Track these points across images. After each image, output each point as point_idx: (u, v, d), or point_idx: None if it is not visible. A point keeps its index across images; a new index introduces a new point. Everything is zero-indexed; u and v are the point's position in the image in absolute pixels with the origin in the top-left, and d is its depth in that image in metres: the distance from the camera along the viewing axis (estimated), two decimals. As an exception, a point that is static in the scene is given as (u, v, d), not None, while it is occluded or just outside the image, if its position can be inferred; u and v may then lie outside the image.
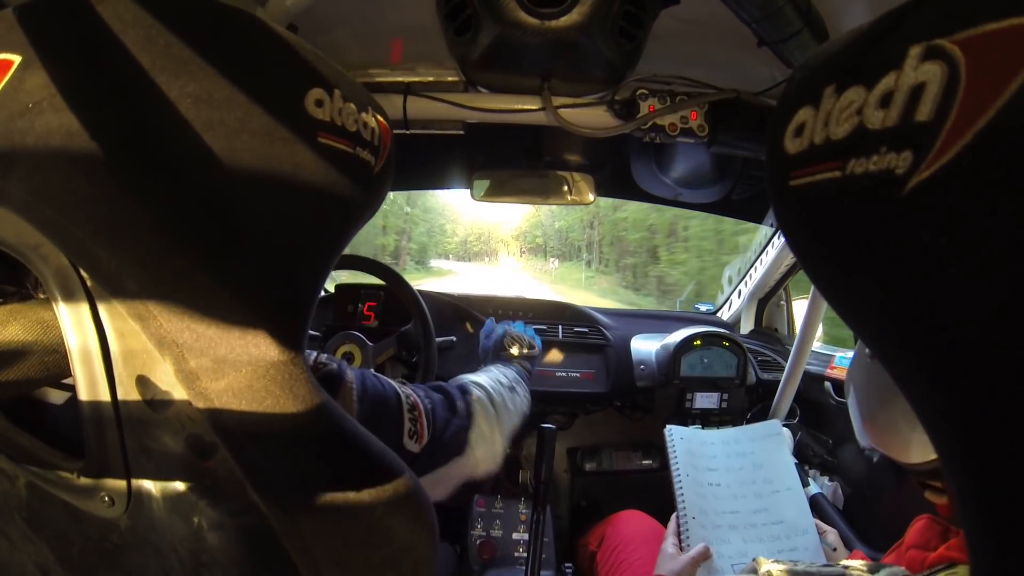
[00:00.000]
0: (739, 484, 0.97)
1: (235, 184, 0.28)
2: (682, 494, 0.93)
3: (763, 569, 0.40)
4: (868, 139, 0.21)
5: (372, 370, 0.59)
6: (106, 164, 0.26)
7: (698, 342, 1.40)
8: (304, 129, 0.29)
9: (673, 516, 0.92)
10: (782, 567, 0.40)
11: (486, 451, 0.65)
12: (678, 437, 1.04)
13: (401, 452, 0.48)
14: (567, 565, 1.17)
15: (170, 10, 0.27)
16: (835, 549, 0.86)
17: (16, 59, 0.26)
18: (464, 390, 0.67)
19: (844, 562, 0.41)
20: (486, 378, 0.75)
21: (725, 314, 1.82)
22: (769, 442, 1.03)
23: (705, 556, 0.81)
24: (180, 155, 0.27)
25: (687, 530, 0.88)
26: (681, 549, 0.86)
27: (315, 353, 0.48)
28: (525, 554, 1.02)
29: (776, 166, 0.26)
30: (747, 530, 0.89)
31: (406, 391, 0.56)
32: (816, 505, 1.16)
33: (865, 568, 0.37)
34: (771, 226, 1.52)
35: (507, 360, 0.93)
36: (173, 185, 0.27)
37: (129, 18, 0.26)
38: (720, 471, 0.99)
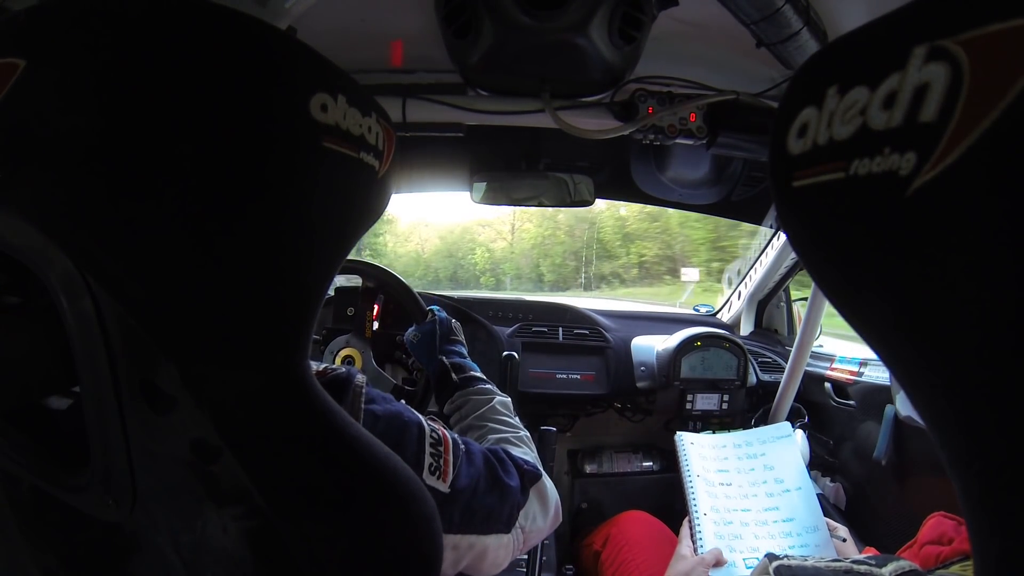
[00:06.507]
0: (750, 484, 0.98)
1: (240, 189, 0.28)
2: (694, 496, 0.95)
3: (773, 566, 0.40)
4: (872, 140, 0.21)
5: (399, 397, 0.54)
6: (111, 168, 0.26)
7: (698, 343, 1.40)
8: (308, 134, 0.29)
9: (685, 521, 0.93)
10: (791, 563, 0.40)
11: (530, 536, 0.58)
12: (688, 442, 1.06)
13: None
14: (567, 567, 1.16)
15: (170, 14, 0.27)
16: (844, 540, 0.87)
17: (21, 63, 0.26)
18: (517, 463, 0.59)
19: (853, 556, 0.41)
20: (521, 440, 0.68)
21: (725, 315, 1.82)
22: (780, 443, 1.04)
23: (719, 561, 0.82)
24: (185, 158, 0.27)
25: (700, 528, 0.90)
26: (695, 547, 0.86)
27: (323, 364, 0.47)
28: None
29: (779, 167, 0.26)
30: (759, 527, 0.91)
31: (435, 426, 0.51)
32: None
33: (873, 562, 0.37)
34: (771, 227, 1.52)
35: (458, 343, 0.90)
36: (179, 189, 0.27)
37: (132, 23, 0.26)
38: (731, 472, 1.01)
